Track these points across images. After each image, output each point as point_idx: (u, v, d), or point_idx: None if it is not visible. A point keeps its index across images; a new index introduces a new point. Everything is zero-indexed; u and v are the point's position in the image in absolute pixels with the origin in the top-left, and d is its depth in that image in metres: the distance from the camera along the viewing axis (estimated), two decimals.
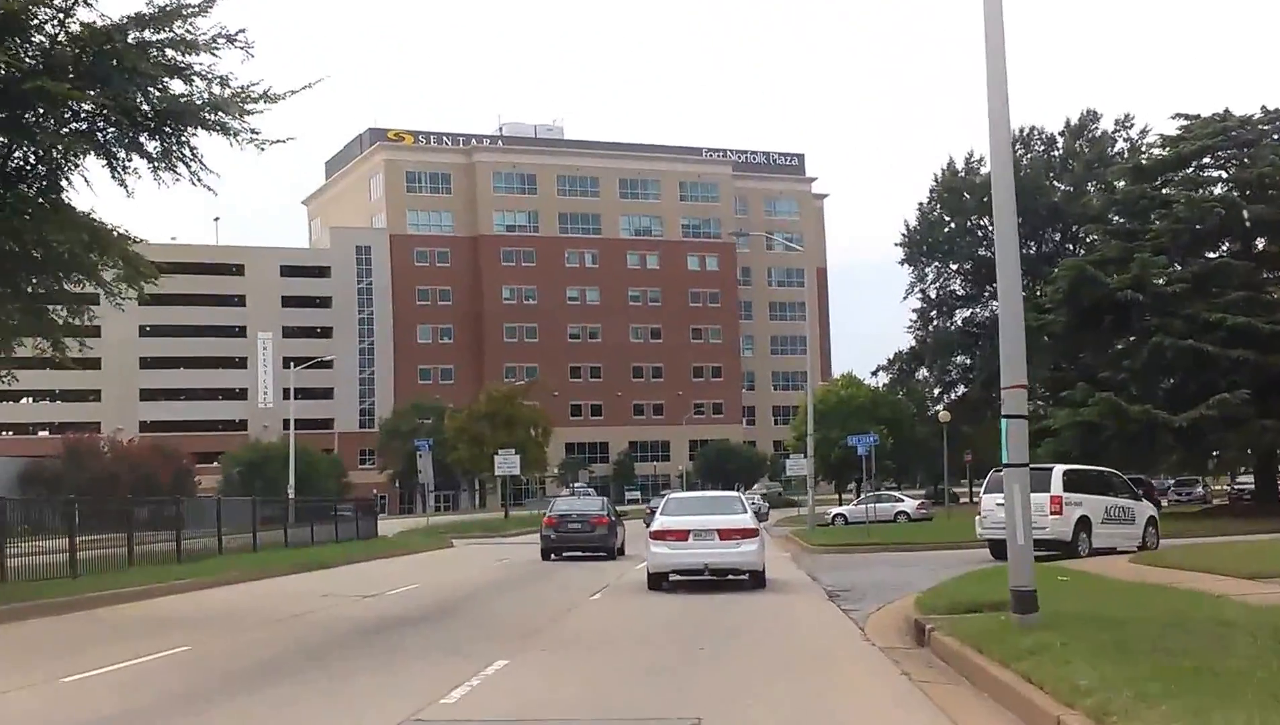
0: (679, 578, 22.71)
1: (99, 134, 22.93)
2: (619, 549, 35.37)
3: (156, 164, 22.79)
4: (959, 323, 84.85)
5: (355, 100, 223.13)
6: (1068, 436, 49.81)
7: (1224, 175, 54.92)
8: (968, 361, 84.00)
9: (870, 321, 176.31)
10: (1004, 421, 13.09)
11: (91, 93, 21.63)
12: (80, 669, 13.06)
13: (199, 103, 22.67)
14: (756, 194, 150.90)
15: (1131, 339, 52.63)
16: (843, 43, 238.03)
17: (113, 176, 23.56)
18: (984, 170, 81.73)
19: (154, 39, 22.09)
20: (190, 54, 22.29)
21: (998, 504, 24.66)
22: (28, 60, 21.88)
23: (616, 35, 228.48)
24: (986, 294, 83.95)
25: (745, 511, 23.75)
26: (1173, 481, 79.94)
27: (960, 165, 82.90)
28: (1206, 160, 55.36)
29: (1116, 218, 58.46)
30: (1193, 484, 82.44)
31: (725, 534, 22.19)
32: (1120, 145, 77.74)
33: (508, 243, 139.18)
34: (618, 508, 43.65)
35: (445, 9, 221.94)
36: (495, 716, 10.32)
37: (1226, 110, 55.18)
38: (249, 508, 35.83)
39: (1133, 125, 77.45)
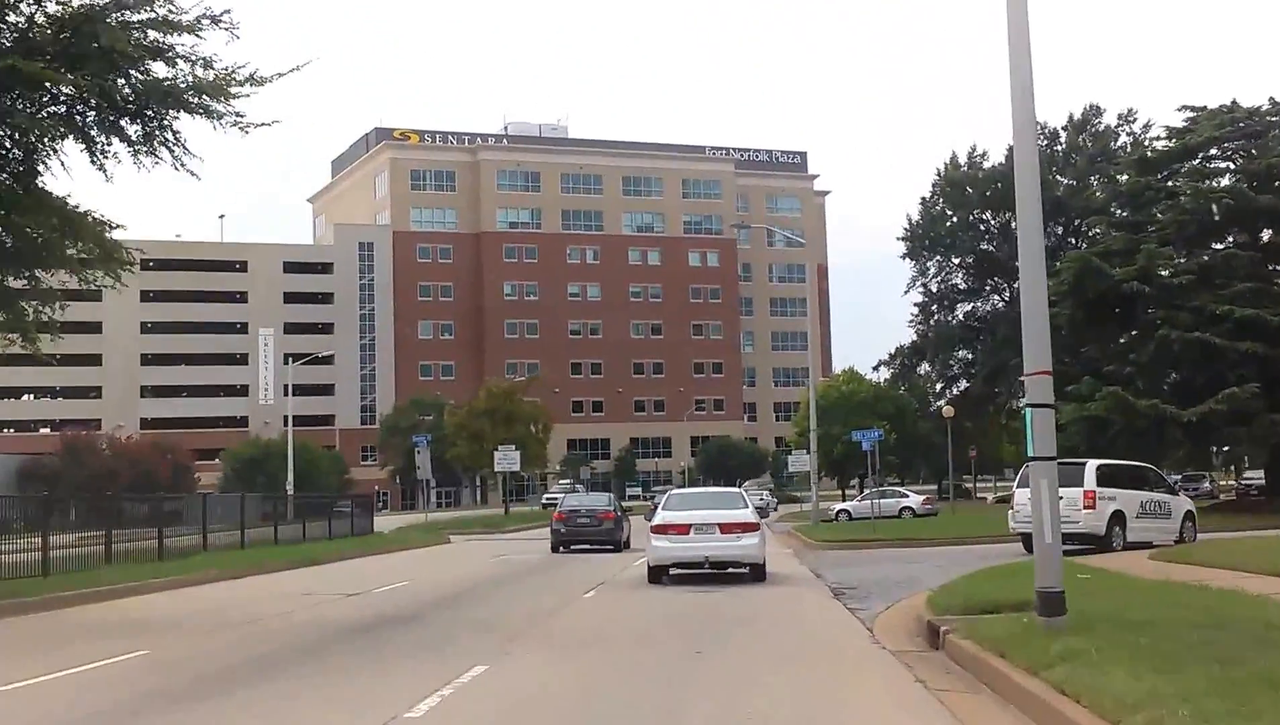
0: (679, 571, 22.78)
1: (77, 117, 22.18)
2: (625, 542, 36.75)
3: (136, 148, 22.03)
4: (960, 317, 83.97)
5: (362, 102, 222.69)
6: (1074, 431, 48.87)
7: (1231, 166, 54.05)
8: (970, 356, 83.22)
9: (871, 319, 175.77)
10: (1027, 411, 12.20)
11: (70, 75, 20.80)
12: (14, 678, 12.01)
13: (182, 85, 21.92)
14: (758, 191, 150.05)
15: (1134, 333, 51.80)
16: (845, 41, 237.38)
17: (91, 161, 22.86)
18: (986, 164, 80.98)
19: (135, 20, 21.32)
20: (173, 35, 21.56)
21: (1030, 498, 24.31)
22: (3, 41, 21.12)
23: (621, 35, 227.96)
24: (988, 288, 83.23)
25: (746, 506, 23.73)
26: (1179, 476, 79.10)
27: (963, 159, 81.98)
28: (1213, 151, 54.53)
29: (1120, 212, 57.64)
30: (1199, 479, 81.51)
31: (726, 528, 22.26)
32: (1123, 139, 76.84)
33: (510, 239, 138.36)
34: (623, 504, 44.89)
35: (452, 10, 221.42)
36: None
37: (1234, 101, 54.37)
38: (243, 504, 34.76)
39: (1135, 119, 76.58)
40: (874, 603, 18.75)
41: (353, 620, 17.45)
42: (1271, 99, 53.09)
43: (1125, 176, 58.17)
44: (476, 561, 33.19)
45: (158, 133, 21.95)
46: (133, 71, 21.64)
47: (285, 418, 76.04)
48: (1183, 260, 51.37)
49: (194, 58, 21.70)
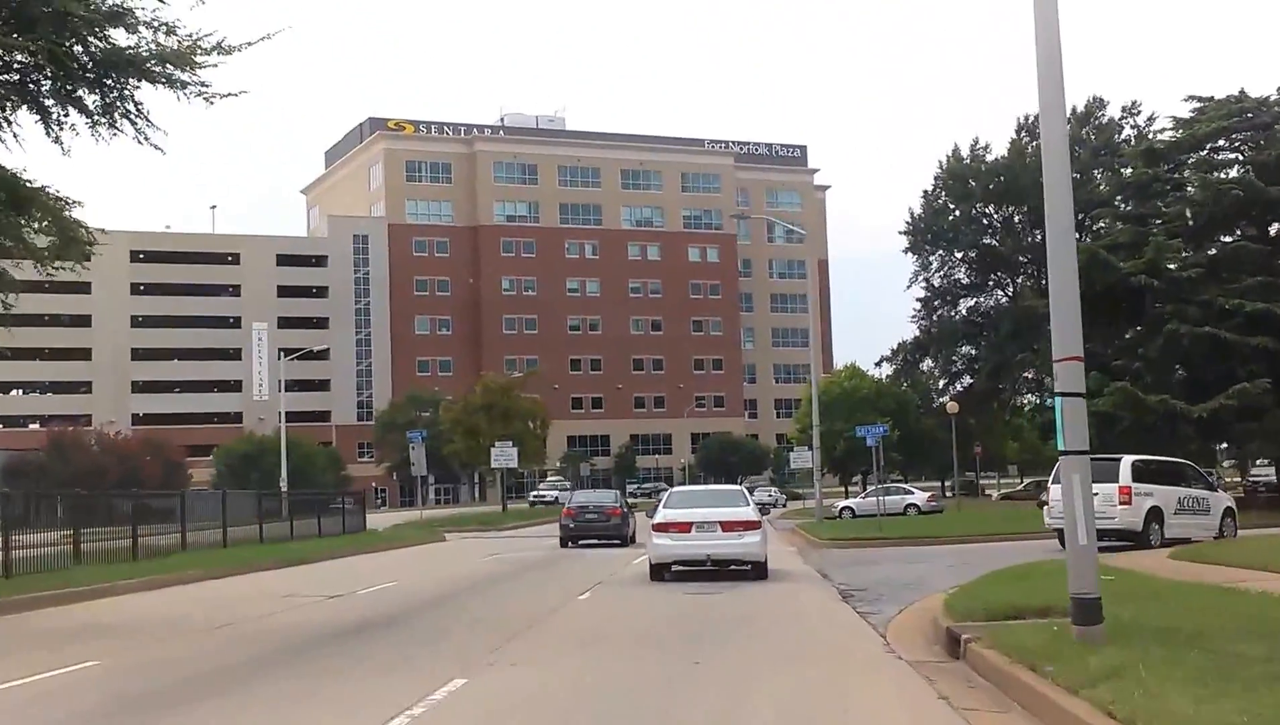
0: (681, 567, 22.71)
1: (30, 84, 21.05)
2: (630, 536, 38.05)
3: (95, 119, 20.89)
4: (963, 312, 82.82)
5: (356, 92, 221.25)
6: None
7: (1239, 157, 53.00)
8: (973, 351, 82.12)
9: (871, 317, 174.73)
10: (1058, 401, 11.10)
11: (20, 38, 19.53)
12: None
13: (145, 54, 20.78)
14: (759, 185, 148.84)
15: (1139, 329, 50.75)
16: (845, 38, 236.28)
17: (47, 133, 21.69)
18: (989, 157, 79.89)
19: None
20: None
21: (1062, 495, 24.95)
22: None
23: (619, 27, 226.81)
24: (991, 282, 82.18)
25: (747, 504, 23.66)
26: None
27: (965, 151, 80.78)
28: (1221, 142, 53.51)
29: (1124, 206, 56.59)
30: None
31: (728, 526, 22.20)
32: (1127, 132, 75.69)
33: (507, 233, 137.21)
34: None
35: (449, 1, 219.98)
36: None
37: (1242, 91, 53.36)
38: (224, 501, 33.55)
39: (1140, 112, 75.33)
40: (885, 606, 17.69)
41: (329, 625, 16.34)
42: None
43: (1131, 169, 57.04)
44: (470, 560, 32.14)
45: (119, 104, 20.81)
46: (90, 38, 20.56)
47: (280, 414, 74.99)
48: (1190, 253, 50.34)
49: (156, 23, 20.60)
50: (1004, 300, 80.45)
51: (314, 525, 40.05)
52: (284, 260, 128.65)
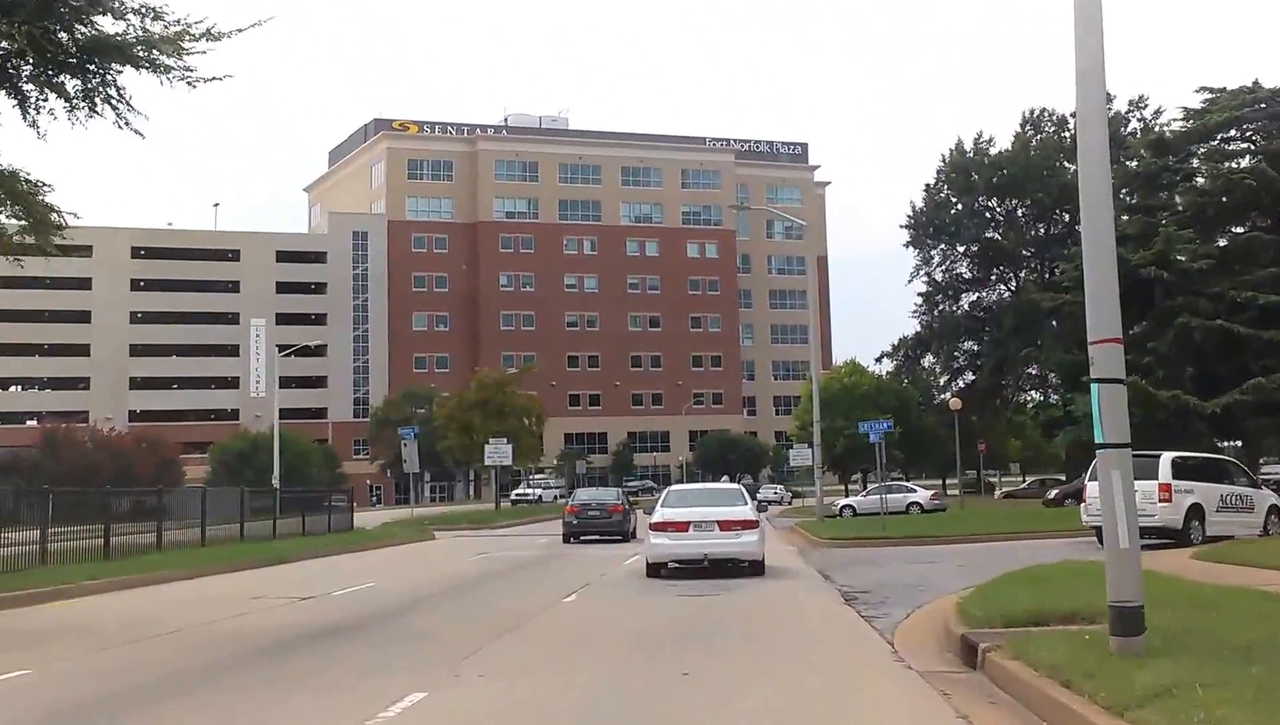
0: (678, 565, 22.66)
1: (9, 70, 20.16)
2: (632, 532, 38.59)
3: (73, 103, 20.00)
4: (965, 307, 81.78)
5: (362, 95, 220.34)
6: (1090, 424, 46.73)
7: (1251, 147, 51.90)
8: (975, 347, 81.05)
9: (870, 316, 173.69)
10: (1094, 387, 9.91)
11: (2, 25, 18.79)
12: None
13: (132, 39, 19.96)
14: (759, 181, 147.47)
15: (1148, 322, 49.57)
16: (846, 38, 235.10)
17: (24, 118, 20.93)
18: (993, 150, 78.76)
19: None
20: None
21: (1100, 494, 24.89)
22: None
23: (622, 28, 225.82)
24: (994, 277, 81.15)
25: (745, 503, 23.47)
26: None
27: (969, 145, 79.63)
28: (1232, 132, 52.41)
29: (1130, 199, 55.41)
30: None
31: (725, 525, 22.10)
32: (1134, 126, 74.46)
33: (506, 229, 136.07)
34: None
35: (454, 3, 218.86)
36: None
37: (1256, 81, 52.30)
38: (204, 499, 32.26)
39: (1146, 106, 74.01)
40: (891, 609, 16.52)
41: (291, 630, 15.14)
42: None
43: (1138, 160, 55.86)
44: (457, 559, 30.98)
45: (100, 88, 19.94)
46: (77, 24, 19.71)
47: (279, 411, 73.85)
48: (1200, 244, 49.23)
49: (144, 9, 19.82)
50: (1007, 295, 79.41)
51: (299, 523, 38.79)
52: (283, 257, 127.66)
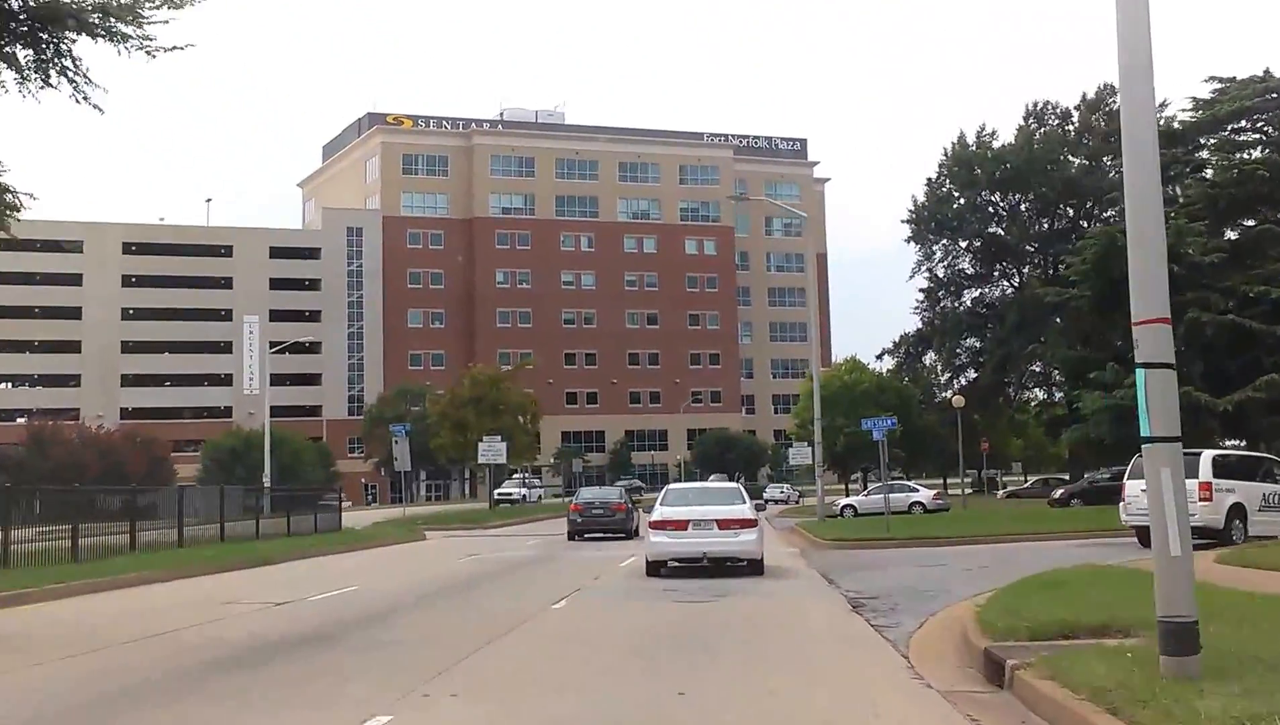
0: (677, 564, 22.64)
1: None
2: (634, 530, 38.96)
3: (25, 75, 18.86)
4: (968, 303, 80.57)
5: (357, 89, 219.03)
6: (1099, 421, 45.60)
7: (1263, 137, 50.77)
8: (978, 344, 79.86)
9: (869, 316, 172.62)
10: (1140, 373, 8.74)
11: None
12: None
13: (87, 6, 18.85)
14: (757, 177, 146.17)
15: None
16: (846, 38, 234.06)
17: None
18: (996, 143, 77.60)
19: None
20: None
21: (1142, 491, 23.72)
22: None
23: (620, 22, 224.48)
24: (997, 273, 80.00)
25: (744, 502, 23.38)
26: None
27: (971, 138, 78.41)
28: (1243, 123, 51.29)
29: None
30: None
31: (724, 524, 22.09)
32: None
33: (502, 225, 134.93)
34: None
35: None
36: None
37: (1266, 71, 51.12)
38: (180, 498, 31.01)
39: None
40: (903, 618, 15.38)
41: (255, 640, 13.96)
42: None
43: None
44: (446, 561, 29.85)
45: (54, 59, 18.81)
46: None
47: (272, 408, 72.67)
48: (1207, 238, 48.07)
49: None
50: (1010, 291, 78.27)
51: (284, 524, 37.57)
52: (277, 253, 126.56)
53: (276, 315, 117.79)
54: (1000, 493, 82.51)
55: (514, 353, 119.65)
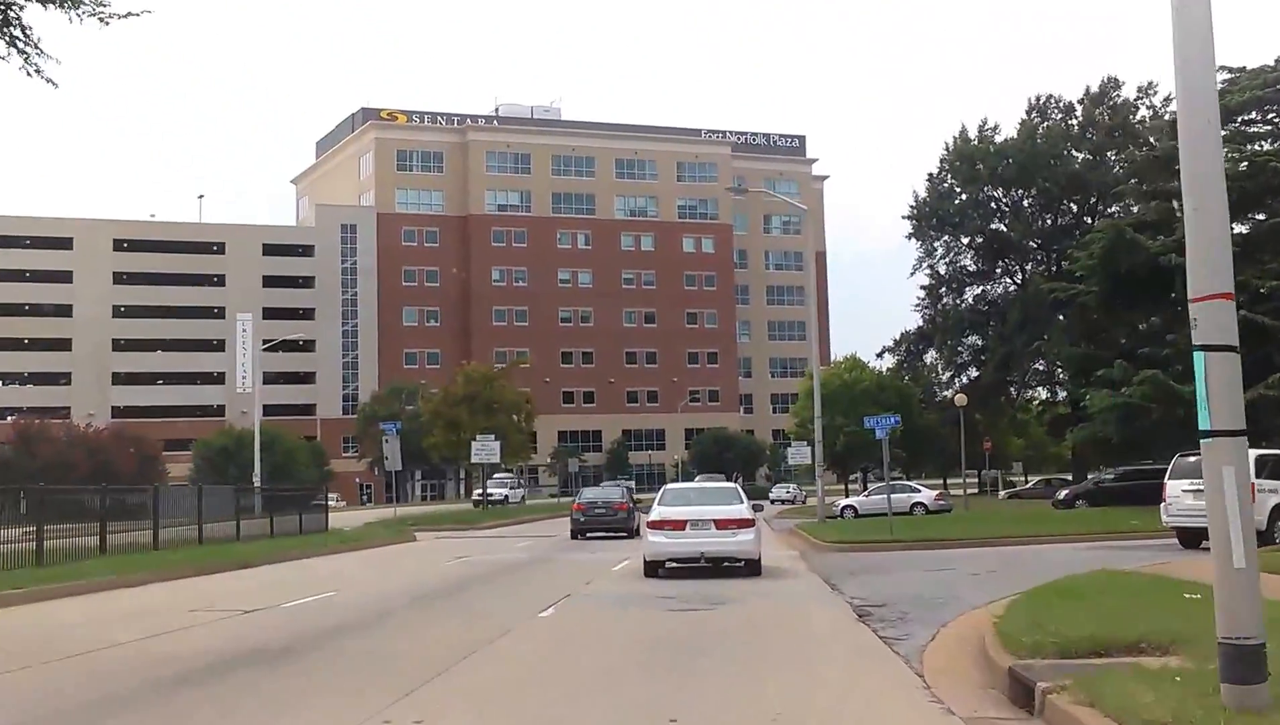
0: (675, 564, 22.70)
1: None
2: (636, 529, 38.58)
3: None
4: (969, 301, 79.50)
5: (350, 83, 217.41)
6: (1106, 420, 44.50)
7: (1273, 129, 49.61)
8: (979, 342, 78.82)
9: (868, 315, 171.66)
10: (1198, 358, 7.63)
11: None
12: None
13: None
14: (756, 174, 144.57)
15: (1167, 313, 47.31)
16: (846, 37, 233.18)
17: None
18: (998, 138, 76.51)
19: None
20: None
21: (1184, 491, 25.37)
22: None
23: (617, 17, 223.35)
24: (999, 270, 78.93)
25: (742, 502, 23.32)
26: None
27: (974, 133, 77.36)
28: (1253, 115, 50.13)
29: (1144, 186, 53.21)
30: None
31: (722, 523, 22.08)
32: (1143, 113, 72.39)
33: (498, 223, 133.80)
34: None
35: None
36: None
37: (1278, 60, 49.96)
38: (156, 499, 29.78)
39: (1156, 92, 71.84)
40: (913, 628, 14.28)
41: (213, 654, 12.80)
42: None
43: (1155, 140, 53.52)
44: (433, 564, 28.74)
45: (3, 28, 17.64)
46: None
47: (265, 407, 71.65)
48: None
49: None
50: (1013, 288, 77.22)
51: (267, 525, 36.42)
52: (270, 250, 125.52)
53: (270, 313, 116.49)
54: (1002, 493, 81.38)
55: (510, 351, 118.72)
